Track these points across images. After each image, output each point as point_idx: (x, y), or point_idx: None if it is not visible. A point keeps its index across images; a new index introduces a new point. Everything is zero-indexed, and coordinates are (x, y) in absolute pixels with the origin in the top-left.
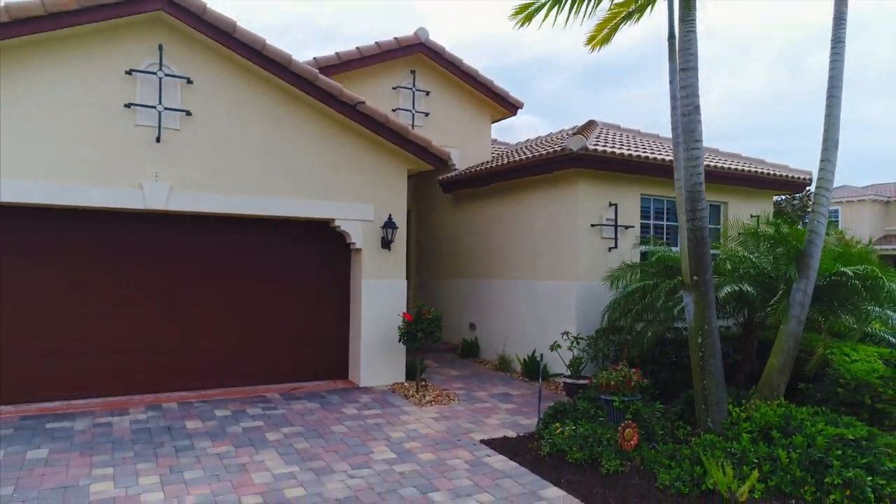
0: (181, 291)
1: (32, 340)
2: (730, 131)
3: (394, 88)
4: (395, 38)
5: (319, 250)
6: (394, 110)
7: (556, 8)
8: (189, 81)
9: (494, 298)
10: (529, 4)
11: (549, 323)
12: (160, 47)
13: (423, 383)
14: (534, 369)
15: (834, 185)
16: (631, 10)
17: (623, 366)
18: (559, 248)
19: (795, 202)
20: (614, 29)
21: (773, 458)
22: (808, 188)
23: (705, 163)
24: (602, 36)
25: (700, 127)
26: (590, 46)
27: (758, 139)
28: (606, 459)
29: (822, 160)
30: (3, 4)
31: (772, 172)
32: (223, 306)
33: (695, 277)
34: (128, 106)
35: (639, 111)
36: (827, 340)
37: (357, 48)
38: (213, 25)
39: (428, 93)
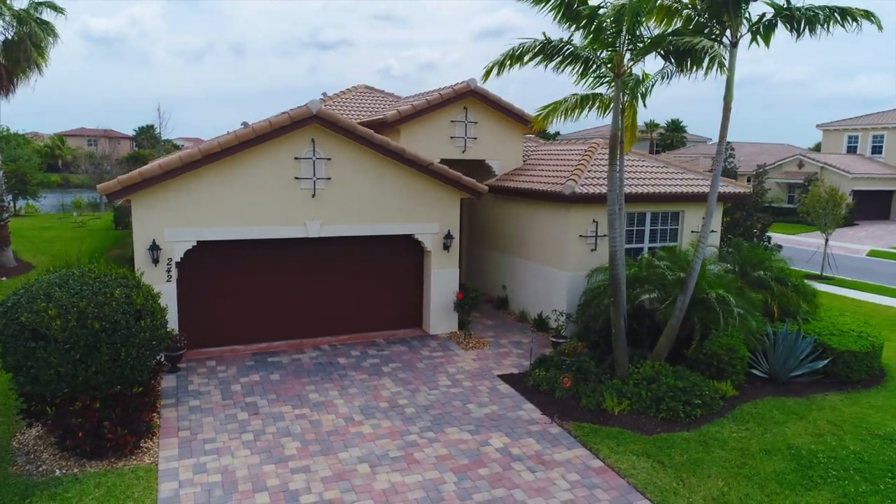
0: (325, 280)
1: (249, 309)
2: None
3: (451, 121)
4: (453, 89)
5: (405, 251)
6: (451, 137)
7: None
8: (329, 159)
9: (518, 271)
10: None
11: (551, 294)
12: (313, 141)
13: (469, 333)
14: (540, 324)
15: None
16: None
17: (574, 340)
18: (558, 247)
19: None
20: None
21: (639, 394)
22: (748, 198)
23: (668, 189)
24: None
25: (617, 223)
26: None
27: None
28: (558, 391)
29: (702, 227)
30: (231, 134)
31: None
32: (349, 286)
33: (612, 299)
34: (296, 178)
35: None
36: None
37: (426, 100)
38: (343, 127)
39: (476, 122)
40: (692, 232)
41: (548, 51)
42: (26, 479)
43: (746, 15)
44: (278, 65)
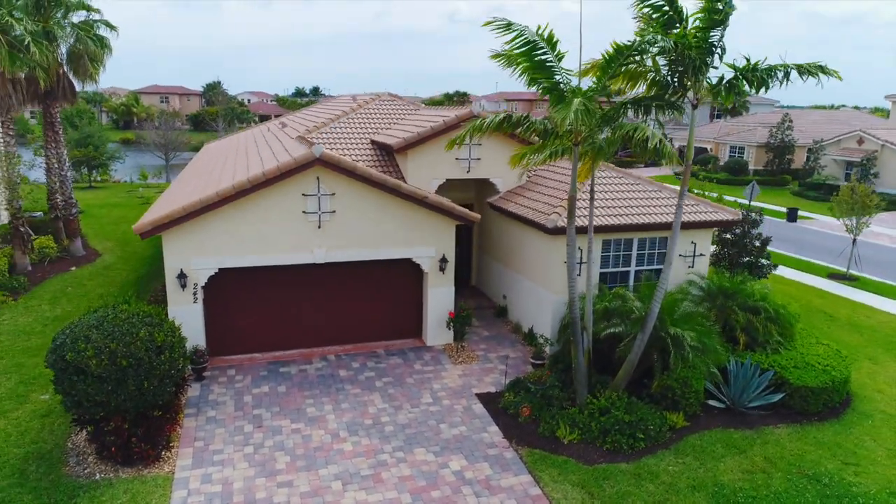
0: (332, 297)
1: (265, 324)
2: None
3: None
4: (456, 115)
5: (404, 272)
6: (456, 159)
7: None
8: (333, 194)
9: (514, 285)
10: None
11: (540, 311)
12: (318, 179)
13: (462, 345)
14: (530, 338)
15: None
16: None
17: (541, 369)
18: (545, 270)
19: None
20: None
21: (589, 424)
22: (736, 224)
23: (653, 220)
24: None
25: (574, 273)
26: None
27: None
28: (521, 417)
29: (660, 278)
30: (244, 179)
31: (700, 219)
32: (354, 302)
33: (572, 338)
34: (304, 212)
35: None
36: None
37: (431, 127)
38: (344, 168)
39: (479, 144)
40: (679, 256)
41: (508, 125)
42: (74, 481)
43: (707, 76)
44: (345, 9)
